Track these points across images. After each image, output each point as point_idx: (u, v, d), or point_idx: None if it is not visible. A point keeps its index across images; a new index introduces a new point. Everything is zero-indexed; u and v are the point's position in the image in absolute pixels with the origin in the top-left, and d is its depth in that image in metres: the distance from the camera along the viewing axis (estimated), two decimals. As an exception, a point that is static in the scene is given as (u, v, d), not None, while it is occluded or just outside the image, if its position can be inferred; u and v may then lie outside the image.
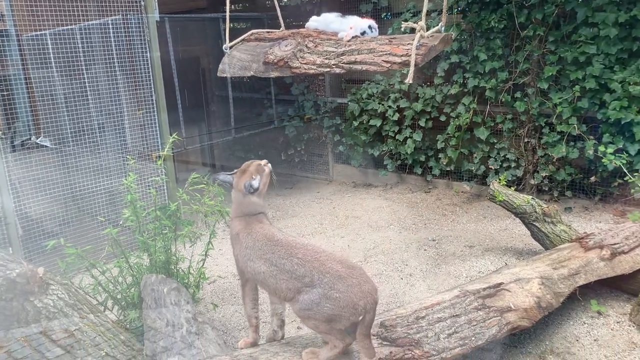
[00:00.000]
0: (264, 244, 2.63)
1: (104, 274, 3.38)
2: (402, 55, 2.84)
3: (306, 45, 3.18)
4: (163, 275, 3.40)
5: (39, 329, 2.57)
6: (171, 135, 3.84)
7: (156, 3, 5.04)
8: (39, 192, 4.61)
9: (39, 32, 4.87)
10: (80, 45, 4.89)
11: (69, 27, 4.76)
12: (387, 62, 2.87)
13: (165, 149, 3.85)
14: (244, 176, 2.81)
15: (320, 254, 2.56)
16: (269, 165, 2.91)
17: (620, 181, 5.27)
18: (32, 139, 5.38)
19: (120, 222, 3.62)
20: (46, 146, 5.18)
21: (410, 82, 2.82)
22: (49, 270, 2.94)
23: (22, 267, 2.66)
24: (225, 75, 3.50)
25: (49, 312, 2.65)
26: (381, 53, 2.91)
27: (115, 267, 3.44)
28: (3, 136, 4.85)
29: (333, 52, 3.06)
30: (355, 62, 2.97)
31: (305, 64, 3.13)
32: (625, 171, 4.06)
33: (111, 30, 4.96)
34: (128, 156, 3.93)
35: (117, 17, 4.94)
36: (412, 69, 2.78)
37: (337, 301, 2.42)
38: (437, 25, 3.09)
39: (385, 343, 2.80)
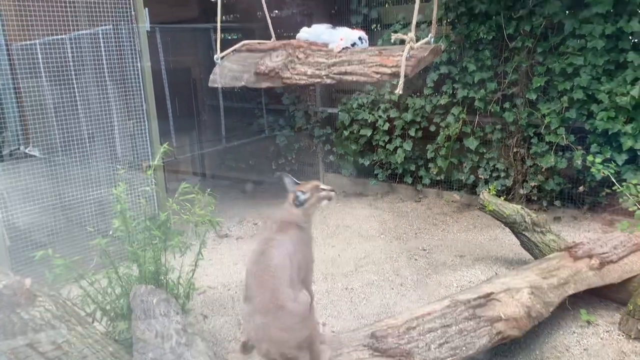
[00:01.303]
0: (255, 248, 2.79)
1: (93, 285, 3.34)
2: (392, 66, 2.86)
3: (297, 56, 3.20)
4: (152, 286, 3.37)
5: (26, 341, 2.53)
6: (162, 144, 3.82)
7: (147, 13, 5.04)
8: (27, 202, 4.56)
9: (28, 42, 4.84)
10: (70, 54, 4.87)
11: (59, 36, 4.74)
12: (377, 72, 2.90)
13: (156, 159, 3.82)
14: (301, 187, 2.84)
15: (270, 278, 2.59)
16: (332, 193, 2.89)
17: (609, 191, 5.31)
18: (20, 148, 5.33)
19: (110, 232, 3.59)
20: (35, 156, 5.14)
21: (400, 92, 2.84)
22: (37, 282, 2.90)
23: (8, 278, 2.63)
24: (216, 85, 3.51)
25: (35, 324, 2.61)
26: (371, 64, 2.93)
27: (104, 277, 3.41)
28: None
29: (324, 63, 3.08)
30: (345, 73, 2.99)
31: (296, 74, 3.15)
32: (614, 180, 4.10)
33: (102, 40, 4.94)
34: (118, 166, 3.90)
35: (107, 26, 4.93)
36: (401, 79, 2.80)
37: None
38: (427, 36, 3.12)
39: (376, 354, 2.80)
